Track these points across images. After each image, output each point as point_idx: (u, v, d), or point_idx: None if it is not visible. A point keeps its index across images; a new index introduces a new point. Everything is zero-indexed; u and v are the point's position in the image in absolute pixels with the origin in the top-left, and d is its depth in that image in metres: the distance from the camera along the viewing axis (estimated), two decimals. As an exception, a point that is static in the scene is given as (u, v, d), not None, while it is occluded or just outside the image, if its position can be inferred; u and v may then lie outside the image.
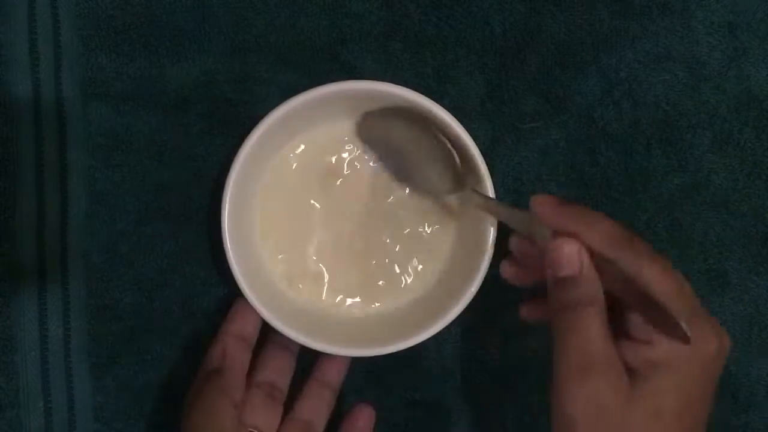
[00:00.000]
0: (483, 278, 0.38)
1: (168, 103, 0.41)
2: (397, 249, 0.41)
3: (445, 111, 0.37)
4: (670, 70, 0.43)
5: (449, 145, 0.38)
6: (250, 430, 0.37)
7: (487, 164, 0.38)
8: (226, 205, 0.37)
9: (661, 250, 0.42)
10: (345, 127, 0.40)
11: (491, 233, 0.38)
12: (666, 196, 0.43)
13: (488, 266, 0.38)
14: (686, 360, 0.31)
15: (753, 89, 0.43)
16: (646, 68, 0.42)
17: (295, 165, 0.41)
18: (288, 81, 0.41)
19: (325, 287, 0.41)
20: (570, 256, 0.32)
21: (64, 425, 0.42)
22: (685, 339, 0.30)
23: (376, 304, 0.41)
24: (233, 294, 0.40)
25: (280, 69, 0.42)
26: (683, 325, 0.30)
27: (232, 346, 0.38)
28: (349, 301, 0.41)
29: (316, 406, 0.40)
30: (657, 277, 0.31)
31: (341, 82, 0.37)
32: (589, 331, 0.31)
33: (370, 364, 0.41)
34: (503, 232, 0.39)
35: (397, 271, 0.41)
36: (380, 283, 0.41)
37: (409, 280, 0.41)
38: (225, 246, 0.38)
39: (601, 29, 0.42)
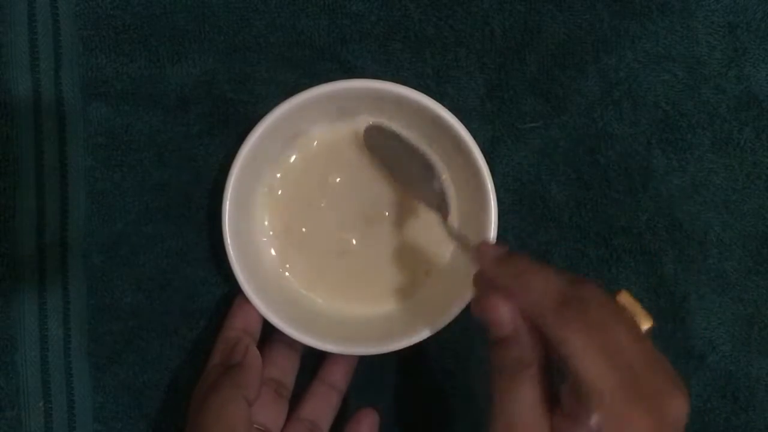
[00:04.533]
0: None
1: (168, 103, 0.41)
2: (398, 250, 0.41)
3: (446, 110, 0.38)
4: (670, 70, 0.43)
5: (436, 170, 0.39)
6: (257, 426, 0.37)
7: (487, 164, 0.38)
8: (227, 204, 0.37)
9: (661, 250, 0.43)
10: (346, 126, 0.40)
11: (491, 234, 0.38)
12: (666, 196, 0.43)
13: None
14: None
15: (753, 89, 0.43)
16: (646, 68, 0.43)
17: (295, 164, 0.41)
18: (288, 81, 0.41)
19: (326, 286, 0.41)
20: (503, 317, 0.31)
21: (64, 425, 0.42)
22: (587, 424, 0.28)
23: (377, 304, 0.41)
24: (233, 293, 0.40)
25: (280, 69, 0.42)
26: (593, 416, 0.28)
27: (254, 345, 0.38)
28: (349, 300, 0.41)
29: (321, 406, 0.40)
30: (581, 352, 0.28)
31: (342, 80, 0.37)
32: (520, 399, 0.30)
33: (370, 363, 0.41)
34: (503, 234, 0.39)
35: (399, 271, 0.41)
36: (381, 282, 0.41)
37: (410, 281, 0.41)
38: (226, 245, 0.38)
39: (601, 29, 0.42)
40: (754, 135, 0.43)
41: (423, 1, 0.42)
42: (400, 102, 0.38)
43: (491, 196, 0.38)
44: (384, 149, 0.40)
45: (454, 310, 0.38)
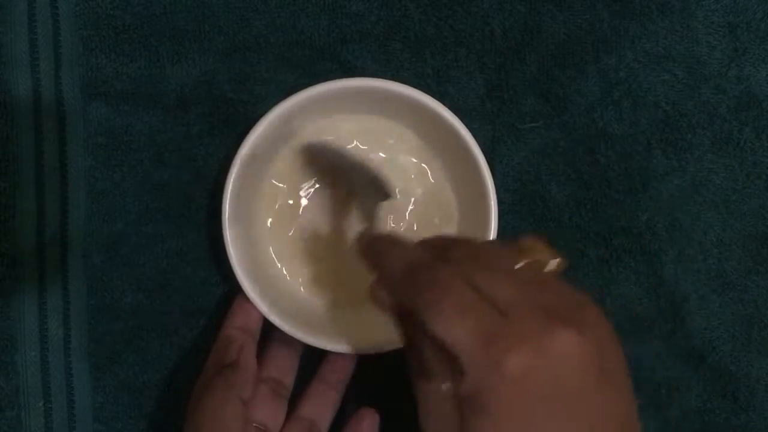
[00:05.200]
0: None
1: (168, 103, 0.41)
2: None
3: (447, 109, 0.38)
4: (670, 70, 0.43)
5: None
6: (256, 425, 0.37)
7: (487, 164, 0.38)
8: (227, 204, 0.37)
9: (661, 250, 0.43)
10: (345, 125, 0.40)
11: (492, 231, 0.38)
12: (666, 196, 0.43)
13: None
14: (488, 392, 0.26)
15: (753, 89, 0.43)
16: (646, 68, 0.43)
17: (295, 163, 0.41)
18: (288, 80, 0.41)
19: (326, 286, 0.41)
20: (381, 299, 0.31)
21: (63, 425, 0.42)
22: (453, 382, 0.27)
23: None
24: (233, 293, 0.40)
25: (280, 69, 0.42)
26: (462, 375, 0.26)
27: (250, 344, 0.38)
28: (349, 299, 0.41)
29: (320, 405, 0.40)
30: (433, 312, 0.27)
31: (341, 79, 0.37)
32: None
33: (370, 363, 0.41)
34: (503, 234, 0.39)
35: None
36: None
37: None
38: (226, 246, 0.38)
39: (601, 29, 0.42)
40: (754, 135, 0.43)
41: (423, 1, 0.42)
42: (400, 101, 0.38)
43: (491, 196, 0.38)
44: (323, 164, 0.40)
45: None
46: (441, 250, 0.30)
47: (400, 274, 0.29)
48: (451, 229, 0.41)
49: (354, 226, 0.41)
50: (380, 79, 0.38)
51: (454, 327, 0.26)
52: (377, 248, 0.32)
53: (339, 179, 0.40)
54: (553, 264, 0.30)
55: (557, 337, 0.26)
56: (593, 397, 0.26)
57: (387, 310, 0.31)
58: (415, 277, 0.28)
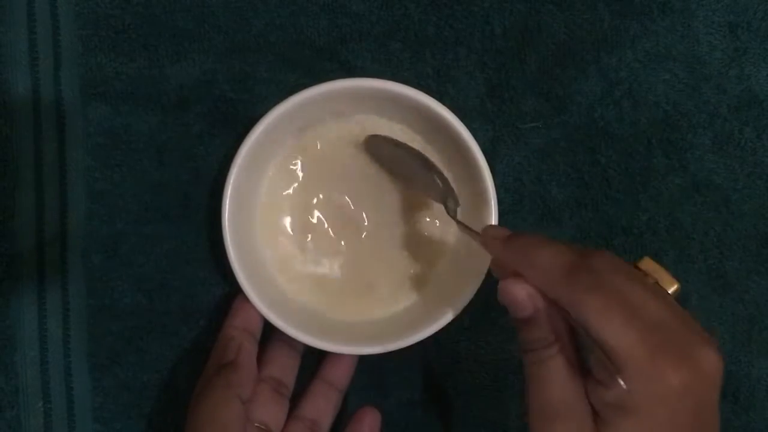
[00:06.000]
0: (483, 278, 0.38)
1: (168, 102, 0.41)
2: (398, 250, 0.41)
3: (447, 109, 0.37)
4: (671, 69, 0.43)
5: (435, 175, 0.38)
6: (257, 425, 0.37)
7: (487, 164, 0.38)
8: (226, 204, 0.37)
9: (661, 250, 0.43)
10: (346, 125, 0.40)
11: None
12: (666, 196, 0.43)
13: (488, 266, 0.38)
14: (647, 401, 0.27)
15: (754, 89, 0.43)
16: (647, 68, 0.42)
17: (295, 163, 0.41)
18: (288, 81, 0.41)
19: (326, 286, 0.41)
20: (519, 298, 0.31)
21: (63, 426, 0.42)
22: (617, 386, 0.28)
23: (377, 303, 0.41)
24: (233, 293, 0.40)
25: (280, 68, 0.41)
26: (620, 376, 0.28)
27: (249, 343, 0.38)
28: (350, 299, 0.41)
29: (321, 405, 0.40)
30: (598, 313, 0.28)
31: (342, 79, 0.37)
32: (550, 376, 0.30)
33: (370, 363, 0.41)
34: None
35: (399, 270, 0.41)
36: (381, 282, 0.41)
37: (409, 281, 0.41)
38: (226, 245, 0.37)
39: (601, 29, 0.42)
40: (754, 135, 0.43)
41: (423, 1, 0.42)
42: (400, 101, 0.38)
43: (491, 196, 0.38)
44: (385, 155, 0.40)
45: (454, 310, 0.38)
46: (585, 257, 0.30)
47: (558, 273, 0.30)
48: (450, 231, 0.41)
49: (405, 220, 0.41)
50: (380, 79, 0.37)
51: (621, 334, 0.28)
52: (524, 244, 0.32)
53: (399, 173, 0.40)
54: (672, 288, 0.32)
55: (706, 356, 0.28)
56: (716, 415, 0.29)
57: (521, 310, 0.31)
58: (577, 279, 0.29)
